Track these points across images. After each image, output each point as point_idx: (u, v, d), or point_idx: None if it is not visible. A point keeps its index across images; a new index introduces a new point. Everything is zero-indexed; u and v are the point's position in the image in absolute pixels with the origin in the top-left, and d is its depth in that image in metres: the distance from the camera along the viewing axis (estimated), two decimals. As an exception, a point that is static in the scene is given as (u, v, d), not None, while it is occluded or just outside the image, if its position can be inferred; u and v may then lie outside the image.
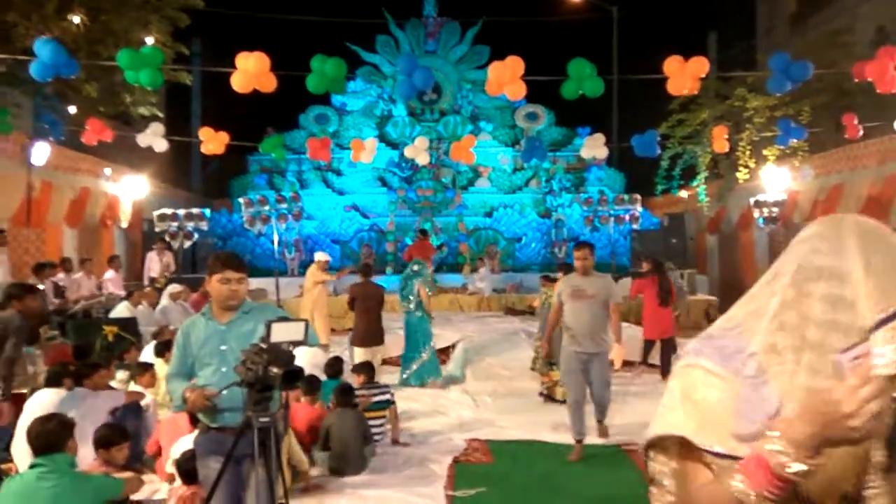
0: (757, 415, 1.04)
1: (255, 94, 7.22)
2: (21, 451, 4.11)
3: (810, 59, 7.93)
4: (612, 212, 13.78)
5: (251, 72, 6.74)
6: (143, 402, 5.29)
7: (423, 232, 12.89)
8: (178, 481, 3.98)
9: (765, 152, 12.45)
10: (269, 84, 6.90)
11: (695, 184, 14.47)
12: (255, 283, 13.11)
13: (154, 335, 8.13)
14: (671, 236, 14.08)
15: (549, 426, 6.26)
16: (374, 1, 17.77)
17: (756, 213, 12.49)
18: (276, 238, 12.99)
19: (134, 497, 3.73)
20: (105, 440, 3.91)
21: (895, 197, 9.72)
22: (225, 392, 2.82)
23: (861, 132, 9.92)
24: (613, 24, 19.14)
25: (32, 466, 2.99)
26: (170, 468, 4.27)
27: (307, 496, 4.66)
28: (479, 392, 7.74)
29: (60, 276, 9.96)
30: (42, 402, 4.63)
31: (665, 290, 8.15)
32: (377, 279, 13.69)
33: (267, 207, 12.98)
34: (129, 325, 8.19)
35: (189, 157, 20.24)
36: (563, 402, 6.27)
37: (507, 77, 6.95)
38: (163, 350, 6.26)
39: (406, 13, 17.92)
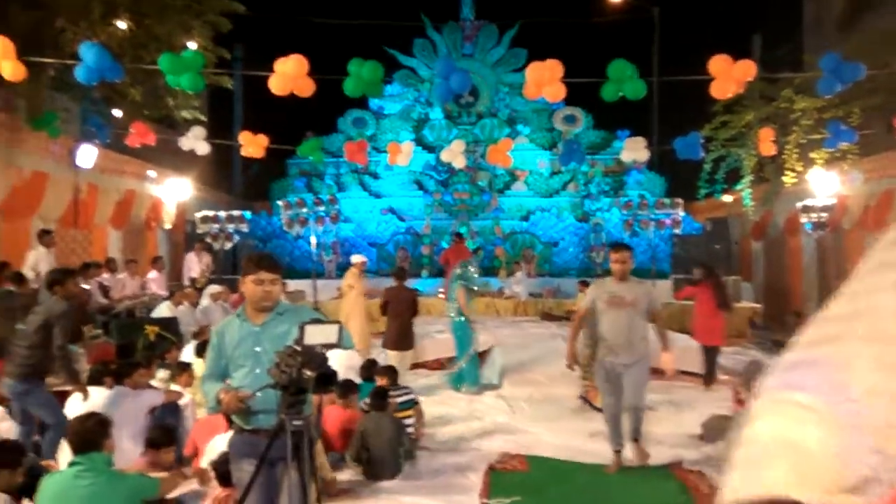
0: (868, 456, 0.77)
1: (295, 98, 7.27)
2: (64, 448, 4.19)
3: (861, 59, 7.64)
4: (652, 216, 13.51)
5: (289, 74, 6.79)
6: (181, 402, 5.35)
7: (459, 235, 12.84)
8: (214, 482, 3.99)
9: (812, 155, 12.04)
10: (306, 88, 6.95)
11: (739, 187, 14.09)
12: (293, 284, 13.27)
13: (194, 335, 8.27)
14: (714, 241, 13.74)
15: (587, 434, 6.13)
16: (412, 5, 17.84)
17: (803, 219, 12.11)
18: (313, 240, 13.10)
19: (171, 496, 3.76)
20: (153, 441, 3.97)
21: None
22: (259, 394, 2.81)
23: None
24: (655, 26, 18.84)
25: (71, 465, 3.03)
26: (205, 466, 4.29)
27: (342, 501, 4.64)
28: (516, 398, 7.64)
29: (105, 276, 10.21)
30: (83, 399, 4.72)
31: (723, 295, 8.17)
32: (413, 282, 13.81)
33: (305, 210, 13.11)
34: (170, 324, 8.34)
35: (231, 160, 20.58)
36: (601, 409, 6.10)
37: (545, 78, 6.84)
38: (202, 350, 6.32)
39: (444, 16, 17.94)
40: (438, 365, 9.53)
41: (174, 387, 5.70)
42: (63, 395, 5.17)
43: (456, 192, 16.67)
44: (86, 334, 7.31)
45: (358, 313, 9.03)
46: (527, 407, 7.31)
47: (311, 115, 16.32)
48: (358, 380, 6.13)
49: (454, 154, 12.91)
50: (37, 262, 8.71)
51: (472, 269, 8.37)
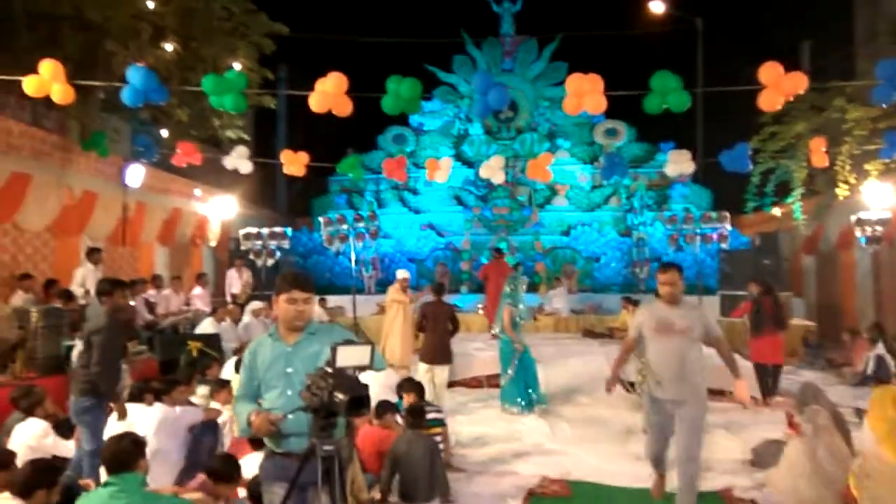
0: None
1: (336, 117, 7.32)
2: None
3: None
4: (698, 230, 13.14)
5: (329, 92, 6.84)
6: (219, 420, 5.36)
7: (499, 251, 12.72)
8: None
9: (867, 167, 11.57)
10: (344, 107, 6.98)
11: (789, 201, 13.62)
12: (333, 300, 13.35)
13: (235, 351, 8.35)
14: (763, 256, 13.25)
15: (632, 457, 5.91)
16: (453, 22, 17.92)
17: (858, 232, 11.60)
18: (353, 256, 13.16)
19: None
20: (216, 473, 3.91)
21: None
22: (290, 417, 2.76)
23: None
24: (698, 37, 18.49)
25: (104, 485, 3.03)
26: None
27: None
28: (556, 418, 7.45)
29: (151, 293, 10.42)
30: (118, 419, 4.76)
31: (781, 313, 8.03)
32: (452, 298, 13.73)
33: (345, 226, 13.17)
34: (212, 340, 8.44)
35: (275, 178, 20.95)
36: None
37: (585, 89, 6.71)
38: (241, 367, 6.36)
39: (484, 32, 17.98)
40: (477, 383, 9.42)
41: (213, 404, 5.72)
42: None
43: (495, 208, 16.59)
44: (130, 350, 7.43)
45: (399, 330, 8.98)
46: (568, 428, 7.12)
47: (353, 133, 16.51)
48: (395, 399, 6.06)
49: (493, 169, 12.84)
50: (84, 279, 8.94)
51: (523, 288, 8.18)
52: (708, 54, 18.40)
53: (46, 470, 3.37)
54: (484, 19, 18.26)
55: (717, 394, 7.82)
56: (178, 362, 7.65)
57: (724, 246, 13.47)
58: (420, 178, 16.83)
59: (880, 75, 6.61)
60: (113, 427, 4.50)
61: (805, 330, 11.90)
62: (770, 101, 6.72)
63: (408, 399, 5.97)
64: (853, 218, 11.59)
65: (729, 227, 13.35)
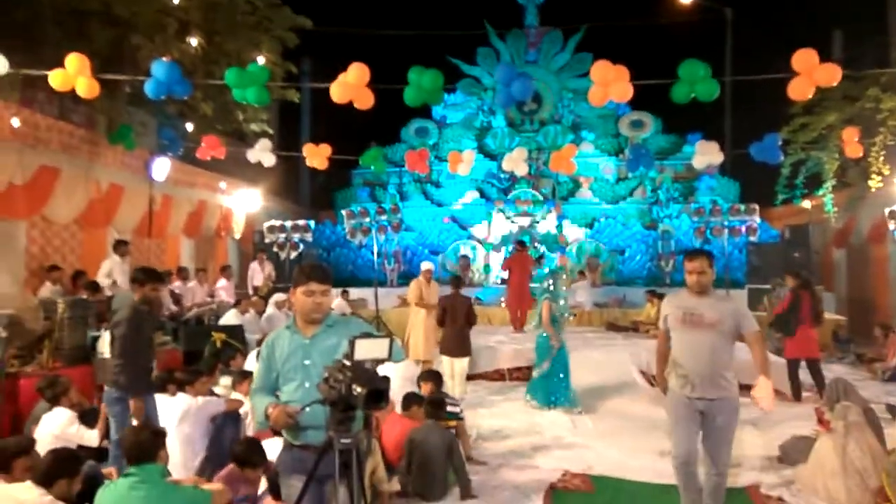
0: None
1: (359, 111, 7.29)
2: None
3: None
4: (726, 223, 12.91)
5: (350, 83, 6.81)
6: (241, 410, 5.38)
7: (522, 243, 12.63)
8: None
9: (901, 158, 11.28)
10: (366, 99, 6.95)
11: (820, 193, 13.32)
12: (355, 293, 13.39)
13: (258, 342, 8.40)
14: (793, 249, 12.97)
15: (655, 452, 5.82)
16: (476, 14, 17.79)
17: (891, 225, 11.31)
18: (375, 249, 13.19)
19: None
20: (241, 459, 3.94)
21: None
22: (307, 409, 2.74)
23: None
24: (727, 27, 18.15)
25: (125, 476, 3.05)
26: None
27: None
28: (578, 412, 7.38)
29: (177, 284, 10.55)
30: (148, 406, 4.80)
31: (818, 306, 7.87)
32: (475, 291, 13.69)
33: (368, 219, 13.21)
34: (236, 332, 8.49)
35: (298, 171, 21.06)
36: None
37: (611, 76, 6.58)
38: (263, 359, 6.38)
39: (507, 24, 17.83)
40: (499, 376, 9.38)
41: (235, 395, 5.75)
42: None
43: (518, 200, 16.47)
44: (154, 341, 7.50)
45: (422, 324, 8.97)
46: (589, 422, 7.05)
47: (376, 127, 16.51)
48: (416, 391, 6.05)
49: (516, 162, 12.76)
50: (111, 270, 9.07)
51: (562, 283, 7.99)
52: (736, 45, 18.07)
53: (68, 459, 3.41)
54: (508, 11, 18.12)
55: (748, 388, 7.68)
56: (201, 353, 7.71)
57: (752, 239, 13.23)
58: (443, 171, 16.79)
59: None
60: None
61: (835, 324, 11.65)
62: (801, 89, 6.52)
63: (425, 388, 5.98)
64: (886, 210, 11.30)
65: (758, 219, 13.11)
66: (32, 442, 3.97)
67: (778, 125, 12.34)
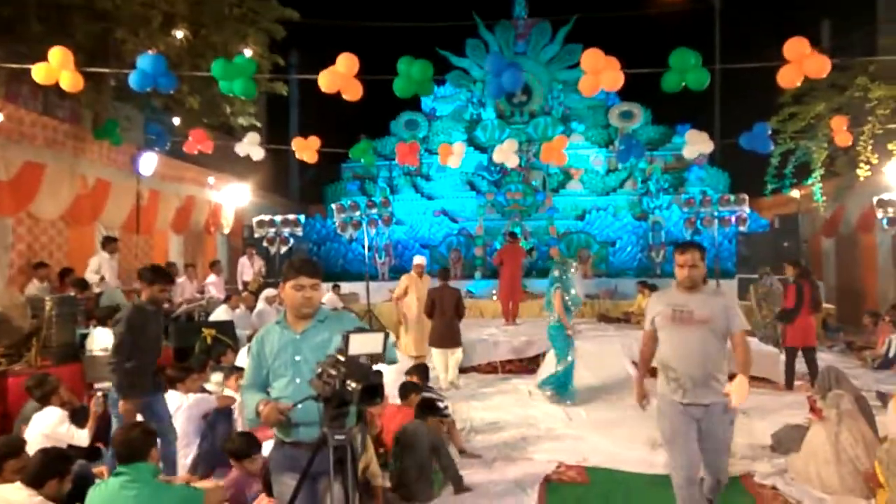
0: None
1: (349, 103, 7.23)
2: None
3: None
4: (716, 213, 12.96)
5: (339, 72, 6.74)
6: (233, 407, 5.34)
7: (513, 235, 12.62)
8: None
9: (889, 146, 11.30)
10: (354, 90, 6.88)
11: (809, 182, 13.38)
12: (346, 287, 13.33)
13: (249, 338, 8.34)
14: (782, 239, 13.05)
15: (649, 443, 5.82)
16: (464, 5, 17.70)
17: (879, 214, 11.38)
18: (366, 243, 13.13)
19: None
20: (236, 453, 3.91)
21: None
22: (299, 406, 2.70)
23: None
24: (715, 17, 18.17)
25: (116, 475, 3.01)
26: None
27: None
28: (572, 404, 7.38)
29: (166, 280, 10.44)
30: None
31: (817, 295, 7.97)
32: (466, 283, 13.67)
33: (358, 213, 13.14)
34: (226, 328, 8.45)
35: (287, 165, 20.95)
36: None
37: (601, 65, 6.54)
38: (254, 354, 6.34)
39: (496, 15, 17.75)
40: (492, 368, 9.38)
41: (227, 391, 5.71)
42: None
43: (509, 193, 16.45)
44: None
45: (413, 318, 8.95)
46: (584, 414, 7.05)
47: (365, 120, 16.44)
48: (409, 384, 6.02)
49: (506, 154, 12.71)
50: (99, 267, 8.98)
51: (573, 272, 7.83)
52: (725, 35, 18.09)
53: (58, 459, 3.36)
54: (496, 2, 18.05)
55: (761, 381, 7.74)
56: (192, 350, 7.67)
57: (742, 229, 13.29)
58: (433, 164, 16.74)
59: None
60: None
61: (825, 313, 11.73)
62: (790, 77, 6.51)
63: (409, 380, 5.94)
64: (875, 199, 11.37)
65: (748, 209, 13.16)
66: (23, 443, 3.91)
67: (766, 115, 12.37)
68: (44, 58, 6.74)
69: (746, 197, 13.26)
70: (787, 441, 5.54)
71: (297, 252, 14.25)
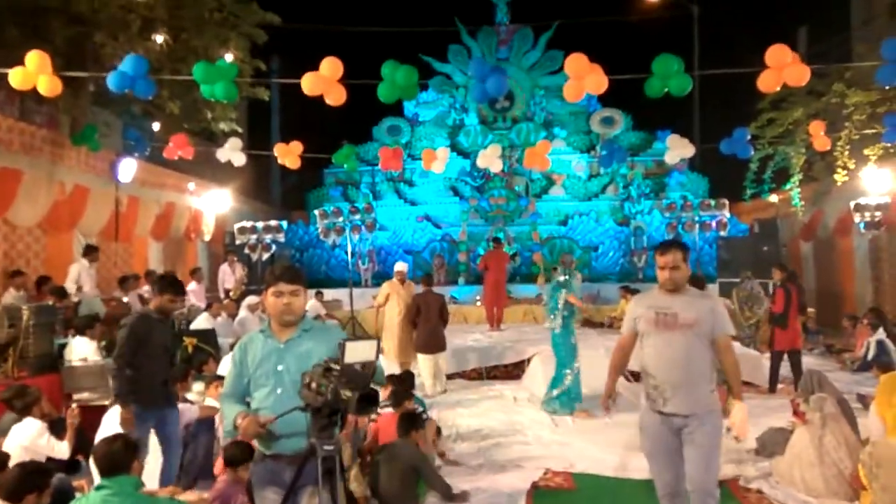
0: None
1: (331, 108, 7.19)
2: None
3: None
4: (697, 218, 13.09)
5: (322, 76, 6.70)
6: (216, 416, 5.26)
7: (497, 241, 12.65)
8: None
9: (866, 152, 11.50)
10: (338, 95, 6.83)
11: (787, 187, 13.56)
12: (329, 294, 13.25)
13: (231, 346, 8.24)
14: (762, 243, 13.22)
15: (635, 448, 5.79)
16: (447, 11, 17.76)
17: (856, 218, 11.57)
18: (349, 249, 13.07)
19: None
20: (231, 460, 3.85)
21: None
22: (279, 419, 2.63)
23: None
24: (694, 24, 18.38)
25: (98, 488, 2.93)
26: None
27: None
28: (558, 410, 7.36)
29: (146, 289, 10.28)
30: (118, 415, 4.66)
31: (803, 298, 8.06)
32: (450, 289, 13.65)
33: (341, 219, 13.08)
34: (208, 336, 8.32)
35: (269, 171, 20.80)
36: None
37: (585, 69, 6.56)
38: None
39: (478, 21, 17.84)
40: (476, 374, 9.36)
41: (209, 400, 5.62)
42: (99, 411, 5.12)
43: (492, 198, 16.50)
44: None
45: (395, 325, 8.88)
46: (570, 420, 7.04)
47: (348, 125, 16.38)
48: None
49: (490, 159, 12.74)
50: (79, 275, 8.82)
51: (577, 279, 7.77)
52: (704, 41, 18.30)
53: (36, 473, 3.27)
54: (479, 8, 18.13)
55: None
56: (173, 359, 7.53)
57: (722, 233, 13.44)
58: (416, 170, 16.73)
59: (887, 55, 6.48)
60: (109, 426, 4.38)
61: (805, 316, 11.86)
62: (770, 82, 6.59)
63: (385, 393, 5.77)
64: (852, 204, 11.55)
65: (728, 214, 13.31)
66: (7, 456, 3.81)
67: (745, 121, 12.52)
68: (20, 62, 6.63)
69: (727, 202, 13.43)
70: (772, 444, 5.58)
71: (280, 259, 14.13)
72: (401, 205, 17.08)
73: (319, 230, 13.35)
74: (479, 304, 12.86)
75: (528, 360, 9.04)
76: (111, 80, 6.63)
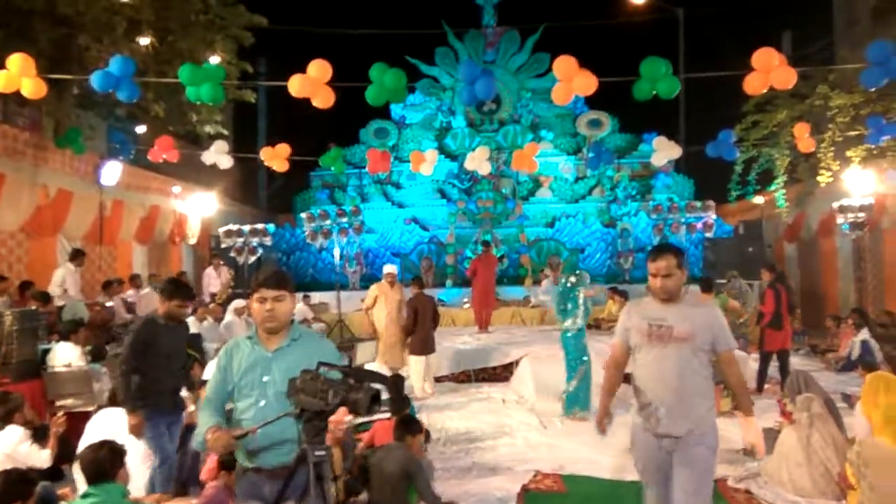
0: None
1: (318, 111, 7.16)
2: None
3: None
4: (683, 219, 13.18)
5: (310, 76, 6.66)
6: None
7: (486, 244, 12.67)
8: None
9: (849, 153, 11.64)
10: (326, 98, 6.80)
11: (772, 188, 13.70)
12: (317, 297, 13.18)
13: (217, 351, 8.16)
14: (747, 244, 13.33)
15: (624, 449, 5.81)
16: (434, 14, 17.78)
17: (840, 219, 11.69)
18: (337, 252, 13.01)
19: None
20: (229, 465, 3.81)
21: None
22: (260, 431, 2.56)
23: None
24: (679, 27, 18.53)
25: (84, 496, 2.89)
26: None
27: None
28: (547, 412, 7.34)
29: (130, 293, 10.17)
30: (104, 421, 4.60)
31: (792, 298, 8.06)
32: (438, 292, 13.63)
33: (328, 222, 13.02)
34: (193, 340, 8.22)
35: (255, 174, 20.70)
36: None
37: (573, 69, 6.58)
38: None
39: (465, 24, 17.87)
40: (465, 377, 9.34)
41: (193, 407, 5.55)
42: (83, 418, 5.05)
43: (479, 201, 16.51)
44: (108, 353, 7.22)
45: (383, 328, 8.83)
46: (559, 422, 7.05)
47: (335, 128, 16.34)
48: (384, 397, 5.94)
49: (478, 161, 12.74)
50: (64, 279, 8.71)
51: (586, 281, 7.66)
52: (689, 45, 18.46)
53: (20, 481, 3.20)
54: (465, 10, 18.16)
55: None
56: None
57: (708, 235, 13.53)
58: (403, 172, 16.72)
59: (872, 58, 6.55)
60: (94, 431, 4.31)
61: (793, 316, 11.95)
62: (756, 85, 6.64)
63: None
64: (835, 205, 11.67)
65: (714, 215, 13.41)
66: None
67: (730, 124, 12.64)
68: (2, 65, 6.54)
69: (713, 203, 13.52)
70: (759, 444, 5.60)
71: (266, 262, 14.05)
72: (388, 207, 17.04)
73: (306, 233, 13.28)
74: (466, 306, 12.85)
75: (517, 362, 9.04)
76: (95, 80, 6.55)
